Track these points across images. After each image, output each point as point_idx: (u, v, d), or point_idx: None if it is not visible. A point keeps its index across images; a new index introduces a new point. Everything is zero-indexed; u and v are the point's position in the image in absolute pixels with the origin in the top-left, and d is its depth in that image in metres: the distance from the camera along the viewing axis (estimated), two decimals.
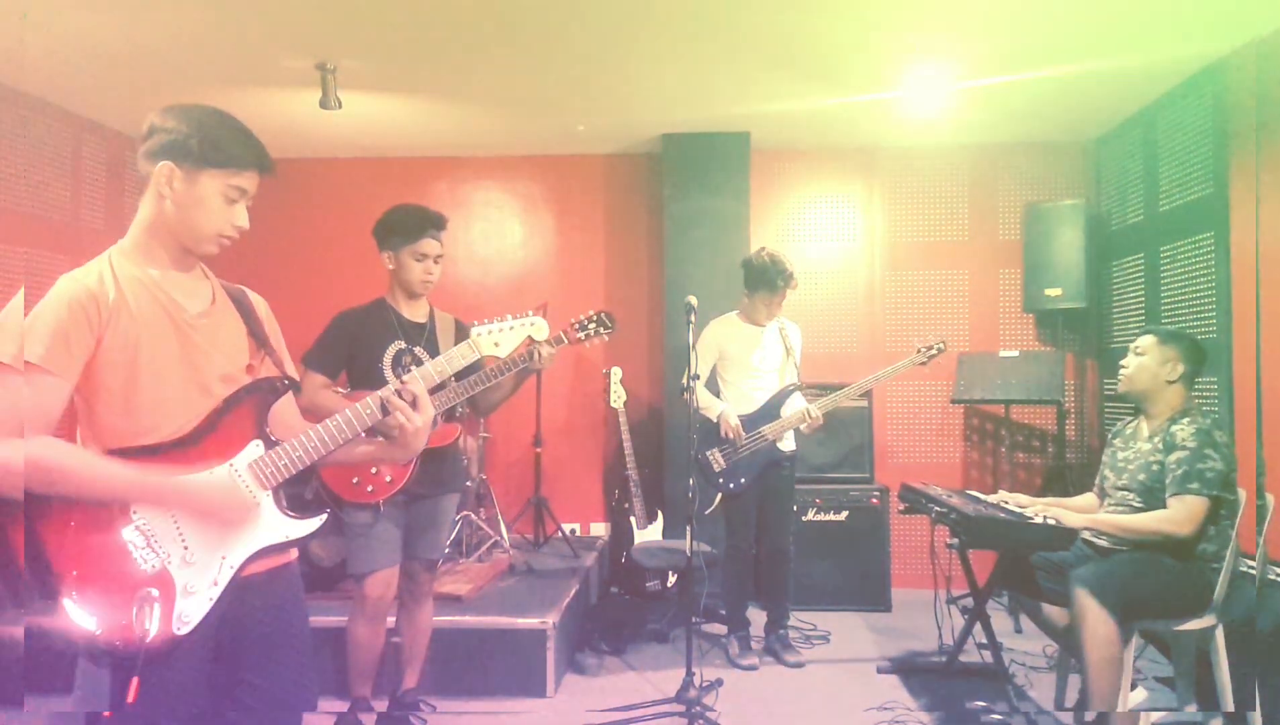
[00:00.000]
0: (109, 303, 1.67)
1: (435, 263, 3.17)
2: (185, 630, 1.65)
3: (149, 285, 1.73)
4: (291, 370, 1.99)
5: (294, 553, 1.92)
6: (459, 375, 3.13)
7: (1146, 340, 3.24)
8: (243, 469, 1.75)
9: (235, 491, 1.73)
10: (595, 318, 3.10)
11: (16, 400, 1.55)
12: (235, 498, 1.73)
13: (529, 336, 2.15)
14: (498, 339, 2.04)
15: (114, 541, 1.63)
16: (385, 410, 1.83)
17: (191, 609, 1.67)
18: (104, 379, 1.66)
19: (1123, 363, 3.30)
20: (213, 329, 1.80)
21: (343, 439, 1.82)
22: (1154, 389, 3.20)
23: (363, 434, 1.84)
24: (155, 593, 1.62)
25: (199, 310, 1.80)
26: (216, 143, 1.71)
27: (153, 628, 1.59)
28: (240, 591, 1.76)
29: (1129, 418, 3.42)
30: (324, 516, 1.86)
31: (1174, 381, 3.17)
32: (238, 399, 1.78)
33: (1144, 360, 3.22)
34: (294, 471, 1.80)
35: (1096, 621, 2.87)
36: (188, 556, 1.68)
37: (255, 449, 1.78)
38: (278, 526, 1.80)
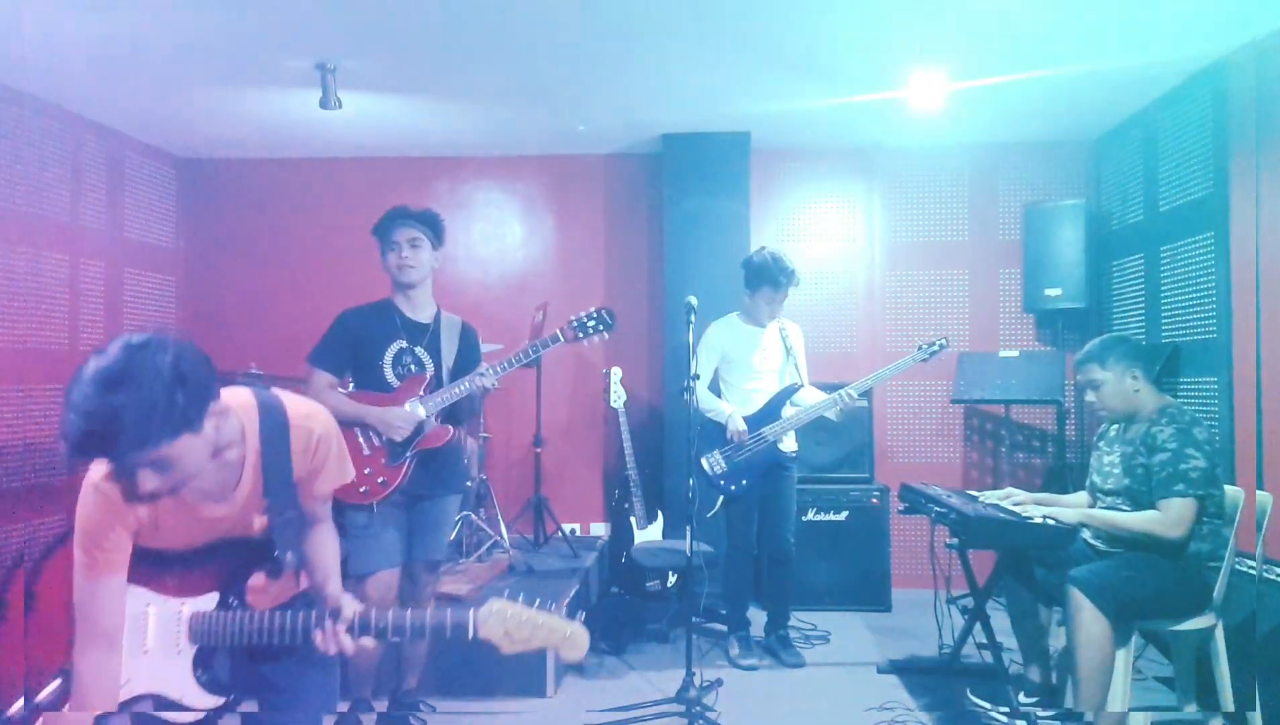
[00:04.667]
0: None
1: (412, 247, 3.15)
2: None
3: None
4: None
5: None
6: (453, 376, 3.14)
7: (1092, 371, 3.23)
8: (185, 614, 1.71)
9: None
10: (595, 316, 3.08)
11: None
12: None
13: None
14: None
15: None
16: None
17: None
18: None
19: (1089, 398, 3.30)
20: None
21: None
22: (1130, 403, 3.21)
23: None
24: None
25: None
26: None
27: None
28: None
29: (1111, 422, 3.41)
30: (220, 701, 1.76)
31: (1140, 388, 3.18)
32: (214, 549, 1.75)
33: (1106, 387, 3.21)
34: (226, 643, 1.73)
35: (1090, 622, 2.88)
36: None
37: (208, 602, 1.73)
38: (178, 684, 1.71)
